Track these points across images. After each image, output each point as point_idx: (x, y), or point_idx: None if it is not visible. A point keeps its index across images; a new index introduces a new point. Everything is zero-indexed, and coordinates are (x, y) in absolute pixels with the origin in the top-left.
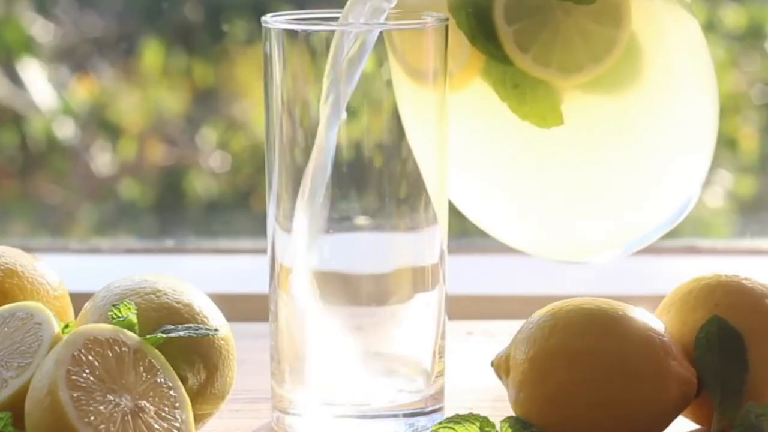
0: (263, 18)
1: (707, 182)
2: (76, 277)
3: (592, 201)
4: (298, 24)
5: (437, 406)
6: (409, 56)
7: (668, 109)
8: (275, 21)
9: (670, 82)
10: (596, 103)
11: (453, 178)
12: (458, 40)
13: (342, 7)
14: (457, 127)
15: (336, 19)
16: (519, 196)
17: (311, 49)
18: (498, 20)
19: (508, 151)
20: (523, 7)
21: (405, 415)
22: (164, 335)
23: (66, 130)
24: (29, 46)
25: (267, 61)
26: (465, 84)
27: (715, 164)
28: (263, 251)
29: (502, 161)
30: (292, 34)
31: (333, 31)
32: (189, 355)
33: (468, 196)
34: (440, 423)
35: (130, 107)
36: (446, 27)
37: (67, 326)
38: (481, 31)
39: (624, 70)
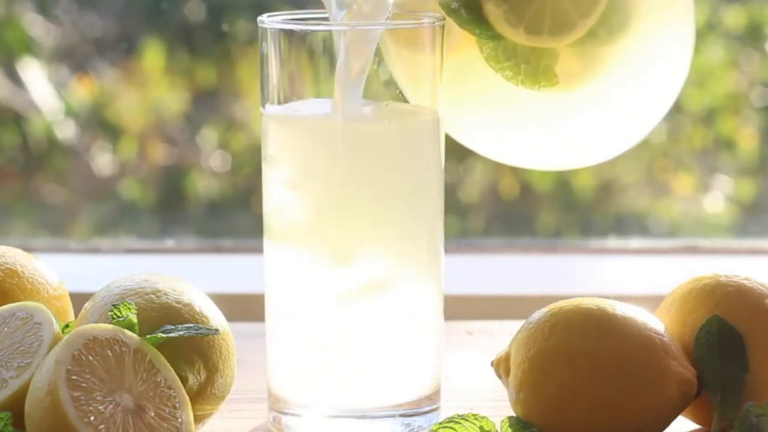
0: (259, 18)
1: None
2: (76, 277)
3: (576, 127)
4: (294, 24)
5: (434, 406)
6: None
7: (650, 47)
8: (271, 21)
9: (653, 24)
10: (586, 55)
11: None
12: (448, 22)
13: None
14: (455, 79)
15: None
16: (511, 124)
17: (308, 49)
18: (486, 5)
19: (501, 93)
20: None
21: (402, 415)
22: (164, 335)
23: (66, 130)
24: (29, 46)
25: (263, 61)
26: (459, 53)
27: (714, 165)
28: (263, 251)
29: (497, 98)
30: (288, 33)
31: (330, 31)
32: (189, 355)
33: (463, 125)
34: (440, 423)
35: (130, 107)
36: (443, 26)
37: (67, 326)
38: (471, 17)
39: (608, 19)
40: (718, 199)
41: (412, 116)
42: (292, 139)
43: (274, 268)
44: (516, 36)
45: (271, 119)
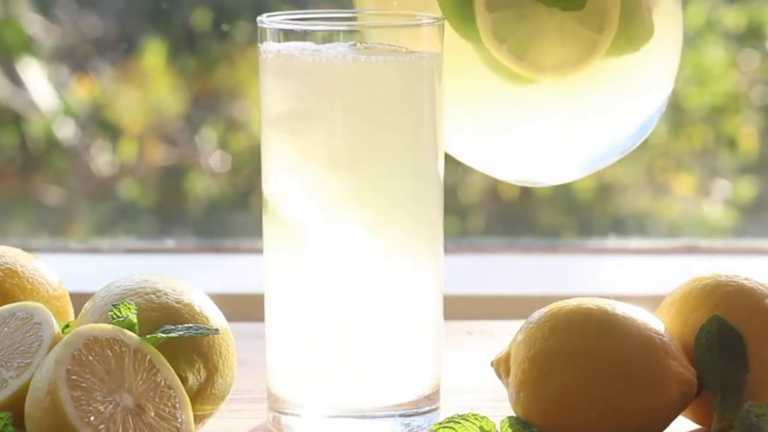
0: (259, 18)
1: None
2: (76, 277)
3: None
4: (294, 24)
5: (433, 407)
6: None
7: (640, 71)
8: (271, 21)
9: (647, 59)
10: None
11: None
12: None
13: (340, 7)
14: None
15: (331, 19)
16: (496, 129)
17: None
18: (478, 7)
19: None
20: None
21: (401, 415)
22: (164, 335)
23: (66, 130)
24: (29, 46)
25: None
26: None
27: (714, 165)
28: (263, 251)
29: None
30: (288, 33)
31: (329, 31)
32: (189, 355)
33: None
34: (440, 423)
35: (130, 107)
36: (442, 26)
37: (67, 326)
38: (461, 13)
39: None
40: (717, 199)
41: (410, 53)
42: (289, 77)
43: (273, 267)
44: (499, 52)
45: (268, 56)
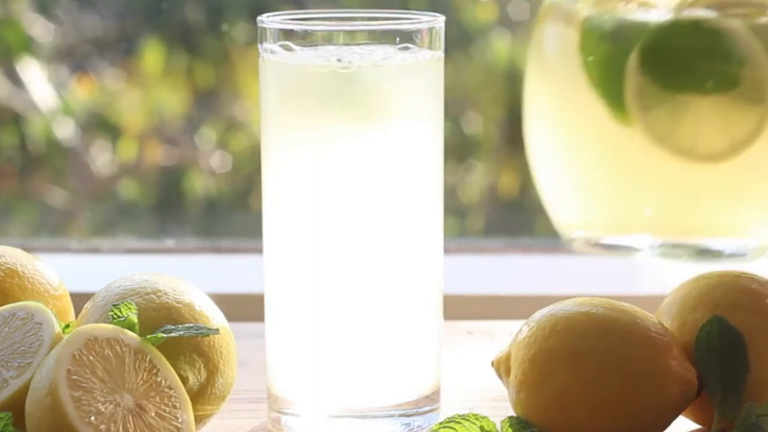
0: (259, 18)
1: None
2: (76, 277)
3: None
4: (294, 24)
5: (434, 407)
6: None
7: None
8: (271, 21)
9: None
10: None
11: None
12: None
13: (338, 7)
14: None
15: (331, 18)
16: None
17: None
18: (632, 107)
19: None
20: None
21: (401, 415)
22: (164, 335)
23: (66, 130)
24: (29, 46)
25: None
26: None
27: None
28: (263, 251)
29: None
30: (288, 33)
31: (329, 31)
32: (189, 355)
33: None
34: (440, 423)
35: (130, 107)
36: (442, 26)
37: (67, 326)
38: (621, 118)
39: None
40: None
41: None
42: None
43: (273, 267)
44: (668, 150)
45: (268, 56)
